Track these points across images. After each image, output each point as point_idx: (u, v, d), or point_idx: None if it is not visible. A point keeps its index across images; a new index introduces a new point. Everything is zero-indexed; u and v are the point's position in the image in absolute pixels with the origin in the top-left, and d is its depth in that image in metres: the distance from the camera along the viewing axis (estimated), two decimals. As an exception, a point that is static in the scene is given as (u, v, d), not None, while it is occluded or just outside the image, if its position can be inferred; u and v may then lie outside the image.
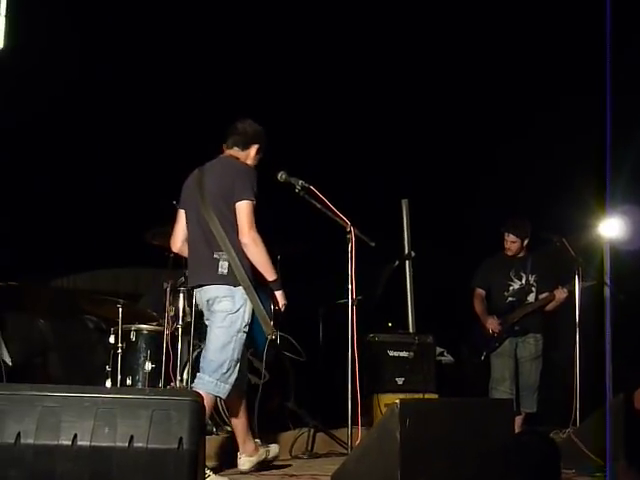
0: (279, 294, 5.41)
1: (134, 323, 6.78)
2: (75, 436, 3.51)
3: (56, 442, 3.50)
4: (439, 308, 8.78)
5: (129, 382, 6.59)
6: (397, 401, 4.13)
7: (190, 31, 8.26)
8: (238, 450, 5.61)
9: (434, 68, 8.88)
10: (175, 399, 3.67)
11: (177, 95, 8.39)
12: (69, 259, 8.24)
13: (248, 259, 5.23)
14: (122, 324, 6.58)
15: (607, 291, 7.18)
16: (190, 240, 5.44)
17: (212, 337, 5.31)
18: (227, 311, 5.23)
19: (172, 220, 5.68)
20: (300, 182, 5.27)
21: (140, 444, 3.51)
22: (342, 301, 5.63)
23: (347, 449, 5.44)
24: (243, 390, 5.55)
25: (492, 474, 4.24)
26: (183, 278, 6.78)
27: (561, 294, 7.37)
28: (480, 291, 7.74)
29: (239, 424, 5.53)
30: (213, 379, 5.23)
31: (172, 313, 6.69)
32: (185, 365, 6.60)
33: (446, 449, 4.17)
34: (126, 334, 6.69)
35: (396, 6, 8.53)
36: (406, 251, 8.39)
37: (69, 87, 7.74)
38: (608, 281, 7.06)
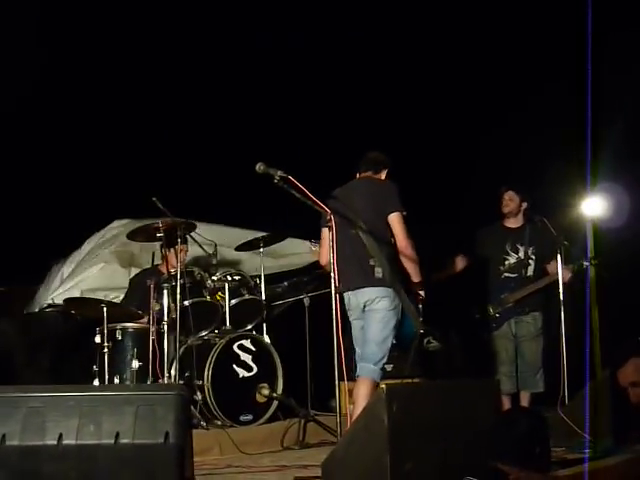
0: (422, 294, 6.11)
1: (120, 322, 6.76)
2: (60, 435, 3.50)
3: (42, 442, 3.49)
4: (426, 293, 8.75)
5: (117, 381, 6.58)
6: (383, 386, 4.13)
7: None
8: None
9: (423, 54, 8.87)
10: (159, 394, 3.66)
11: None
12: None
13: (397, 264, 5.93)
14: (107, 323, 6.57)
15: (588, 270, 7.17)
16: (341, 253, 5.71)
17: (372, 332, 5.91)
18: (386, 309, 5.86)
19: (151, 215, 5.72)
20: (279, 172, 5.24)
21: (126, 440, 3.50)
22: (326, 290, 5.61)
23: (337, 437, 5.43)
24: None
25: (480, 454, 4.24)
26: (166, 275, 6.79)
27: (566, 274, 7.12)
28: (463, 257, 7.62)
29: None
30: (377, 367, 5.87)
31: (157, 309, 6.69)
32: (172, 362, 6.60)
33: (433, 432, 4.17)
34: (112, 333, 6.67)
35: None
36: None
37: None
38: (586, 260, 7.03)
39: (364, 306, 5.95)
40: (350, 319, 6.08)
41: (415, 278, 6.04)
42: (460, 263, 7.56)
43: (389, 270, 5.84)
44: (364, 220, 5.88)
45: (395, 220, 5.96)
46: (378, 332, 5.88)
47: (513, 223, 7.51)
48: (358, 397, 5.74)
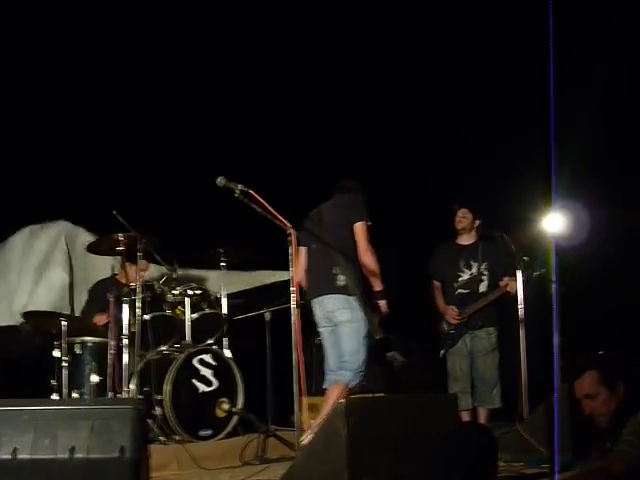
0: (382, 303, 6.25)
1: (79, 336, 6.71)
2: (15, 450, 3.47)
3: (-5, 456, 3.46)
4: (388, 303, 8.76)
5: (76, 395, 6.54)
6: (341, 400, 4.14)
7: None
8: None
9: (389, 62, 8.90)
10: (116, 408, 3.65)
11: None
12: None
13: (359, 273, 6.08)
14: (67, 337, 6.53)
15: (553, 287, 7.20)
16: (308, 266, 6.16)
17: (343, 344, 6.10)
18: (349, 321, 6.07)
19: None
20: (239, 186, 5.25)
21: (81, 455, 3.49)
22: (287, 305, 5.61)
23: (295, 452, 5.42)
24: None
25: (436, 470, 4.25)
26: (127, 288, 6.75)
27: (513, 286, 7.10)
28: (437, 283, 7.63)
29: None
30: (352, 373, 6.04)
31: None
32: (131, 376, 6.56)
33: (391, 446, 4.18)
34: (71, 347, 6.63)
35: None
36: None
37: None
38: (554, 277, 7.05)
39: (328, 317, 6.12)
40: (317, 328, 6.20)
41: (375, 287, 6.16)
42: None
43: (353, 280, 5.98)
44: (333, 233, 6.10)
45: (358, 228, 6.12)
46: (348, 343, 6.06)
47: (466, 240, 7.59)
48: (329, 403, 5.79)
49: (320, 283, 6.15)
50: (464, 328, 7.41)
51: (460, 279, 7.50)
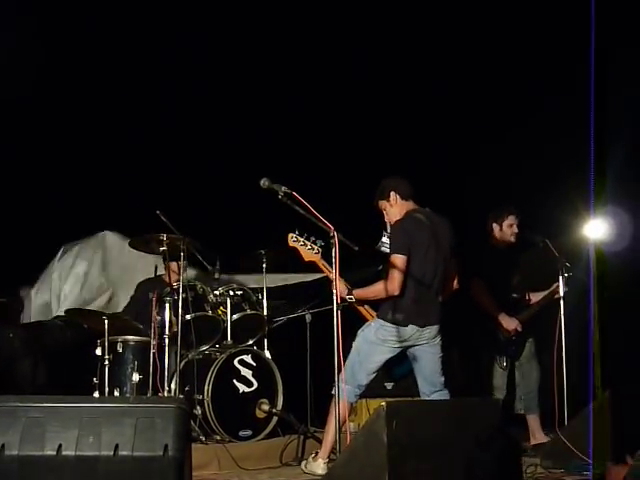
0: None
1: (121, 334, 6.77)
2: (60, 446, 3.51)
3: (41, 452, 3.50)
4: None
5: (117, 393, 6.58)
6: (383, 403, 4.14)
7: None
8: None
9: (422, 68, 8.85)
10: (159, 406, 3.67)
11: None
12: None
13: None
14: (108, 335, 6.59)
15: (590, 292, 7.14)
16: (419, 282, 5.87)
17: (437, 363, 5.98)
18: (361, 336, 5.99)
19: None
20: (283, 188, 5.26)
21: (125, 452, 3.51)
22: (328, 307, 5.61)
23: (336, 454, 5.42)
24: None
25: (481, 474, 4.24)
26: (169, 288, 6.80)
27: (558, 290, 6.91)
28: (482, 282, 7.10)
29: None
30: (348, 386, 5.68)
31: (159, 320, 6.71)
32: (172, 375, 6.60)
33: (433, 451, 4.18)
34: (113, 345, 6.68)
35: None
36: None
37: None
38: (590, 282, 7.00)
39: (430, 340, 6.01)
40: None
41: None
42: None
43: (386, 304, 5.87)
44: (445, 258, 6.02)
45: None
46: (351, 355, 5.90)
47: (508, 243, 7.38)
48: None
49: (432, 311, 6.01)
50: (524, 333, 7.15)
51: (512, 282, 7.29)
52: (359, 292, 5.95)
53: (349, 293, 5.91)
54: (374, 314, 6.04)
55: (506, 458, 4.53)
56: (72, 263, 8.16)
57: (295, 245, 6.02)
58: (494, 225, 7.27)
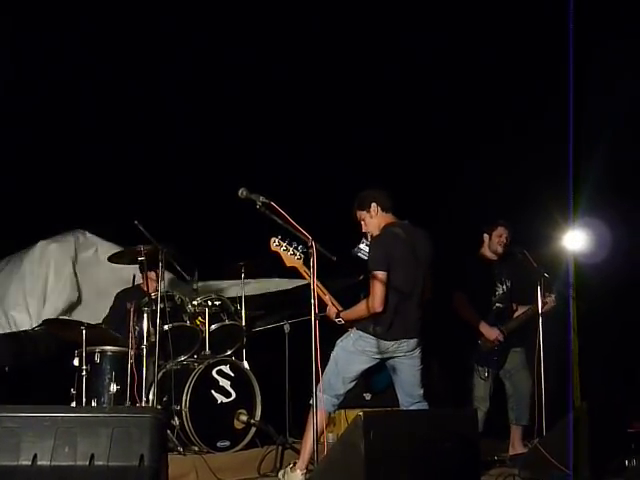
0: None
1: (99, 345, 6.73)
2: (35, 456, 3.49)
3: (16, 462, 3.49)
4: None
5: (94, 404, 6.53)
6: (360, 413, 4.13)
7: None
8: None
9: (402, 85, 8.88)
10: (135, 416, 3.66)
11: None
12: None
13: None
14: (86, 346, 6.55)
15: (570, 303, 7.16)
16: (399, 296, 5.83)
17: (415, 375, 5.95)
18: (340, 346, 5.97)
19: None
20: (261, 198, 5.26)
21: (101, 462, 3.50)
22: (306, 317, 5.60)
23: (314, 464, 5.40)
24: None
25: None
26: (147, 298, 6.77)
27: (551, 302, 7.04)
28: (464, 295, 7.16)
29: None
30: (326, 395, 5.70)
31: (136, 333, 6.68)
32: (150, 386, 6.57)
33: (410, 460, 4.17)
34: (90, 356, 6.65)
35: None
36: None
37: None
38: (570, 292, 7.02)
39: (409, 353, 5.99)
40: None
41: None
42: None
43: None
44: (424, 272, 6.02)
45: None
46: (329, 365, 5.88)
47: (492, 255, 7.40)
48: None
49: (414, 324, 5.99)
50: (507, 344, 7.14)
51: (497, 293, 7.26)
52: (346, 314, 5.94)
53: (337, 316, 5.93)
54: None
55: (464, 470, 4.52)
56: (52, 273, 8.01)
57: (277, 250, 5.98)
58: (485, 235, 7.35)
